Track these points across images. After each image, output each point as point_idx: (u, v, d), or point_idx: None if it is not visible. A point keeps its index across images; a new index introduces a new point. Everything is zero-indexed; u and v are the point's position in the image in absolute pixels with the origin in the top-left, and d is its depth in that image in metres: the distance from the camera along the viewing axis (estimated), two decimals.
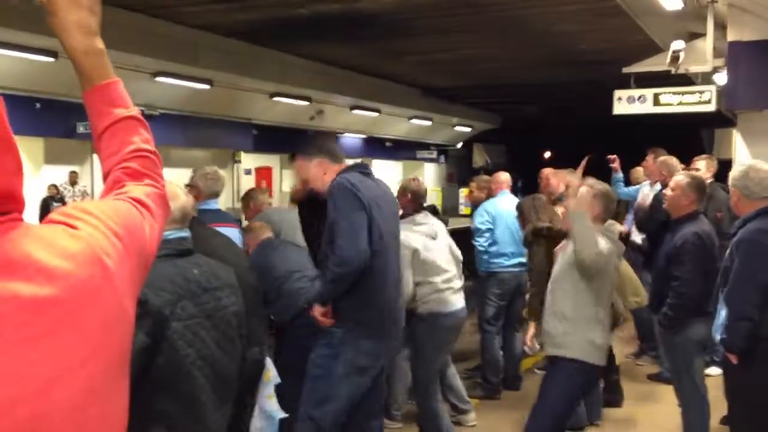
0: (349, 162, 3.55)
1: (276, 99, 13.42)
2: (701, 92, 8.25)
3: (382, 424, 3.72)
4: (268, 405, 3.15)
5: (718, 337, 3.53)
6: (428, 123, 18.89)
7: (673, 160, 5.95)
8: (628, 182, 7.64)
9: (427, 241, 4.34)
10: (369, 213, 3.17)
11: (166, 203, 1.24)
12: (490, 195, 5.95)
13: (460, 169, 24.45)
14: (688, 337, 4.01)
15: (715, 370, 5.78)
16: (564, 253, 3.51)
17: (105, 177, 1.24)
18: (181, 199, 2.24)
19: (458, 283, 4.41)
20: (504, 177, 6.08)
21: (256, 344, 2.95)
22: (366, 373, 3.26)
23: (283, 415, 3.17)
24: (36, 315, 0.90)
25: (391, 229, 3.33)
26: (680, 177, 4.23)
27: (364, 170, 3.41)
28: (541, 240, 4.59)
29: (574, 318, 3.40)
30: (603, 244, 3.33)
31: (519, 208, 5.07)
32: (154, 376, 1.95)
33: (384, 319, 3.28)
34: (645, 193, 6.79)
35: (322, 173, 3.32)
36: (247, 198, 4.95)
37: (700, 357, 4.16)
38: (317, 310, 3.26)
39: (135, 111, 1.27)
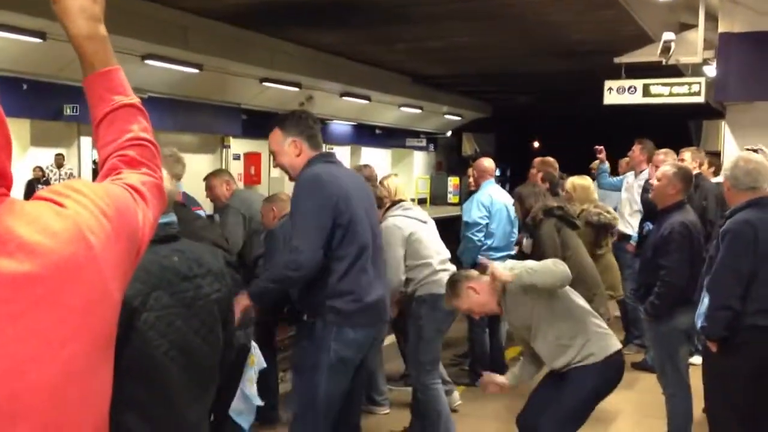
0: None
1: (266, 84, 13.35)
2: (691, 83, 8.29)
3: (359, 421, 3.59)
4: (249, 389, 3.14)
5: (699, 323, 3.57)
6: (418, 111, 18.85)
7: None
8: (617, 173, 7.67)
9: (419, 224, 4.40)
10: (336, 207, 3.01)
11: (162, 193, 1.24)
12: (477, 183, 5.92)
13: (449, 158, 24.47)
14: (674, 326, 4.05)
15: (698, 359, 5.82)
16: (511, 300, 3.37)
17: (102, 163, 1.23)
18: (164, 183, 2.19)
19: (452, 266, 4.46)
20: (488, 164, 5.89)
21: (240, 327, 2.93)
22: (350, 364, 3.16)
23: (259, 402, 3.16)
24: (16, 292, 0.88)
25: (364, 217, 3.17)
26: (666, 167, 4.26)
27: (331, 159, 3.27)
28: (552, 220, 4.64)
29: (576, 334, 3.32)
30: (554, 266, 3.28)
31: (518, 194, 5.08)
32: (123, 365, 1.93)
33: (365, 308, 3.13)
34: (629, 183, 6.83)
35: (295, 154, 3.13)
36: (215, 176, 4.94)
37: (684, 346, 4.20)
38: (243, 302, 3.02)
39: (135, 99, 1.27)
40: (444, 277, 4.34)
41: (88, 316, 0.97)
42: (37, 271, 0.90)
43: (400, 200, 4.54)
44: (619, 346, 3.44)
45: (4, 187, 0.94)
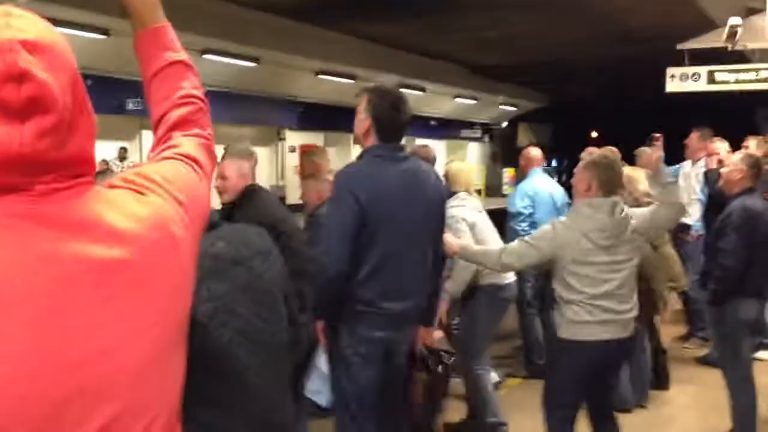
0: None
1: (321, 77, 13.44)
2: (758, 70, 8.00)
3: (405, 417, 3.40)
4: (325, 367, 3.17)
5: None
6: (473, 102, 18.70)
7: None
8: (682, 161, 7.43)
9: (478, 214, 4.37)
10: (361, 212, 2.83)
11: (213, 154, 1.25)
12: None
13: (505, 149, 24.21)
14: (737, 318, 3.92)
15: (766, 354, 5.65)
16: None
17: (155, 123, 1.24)
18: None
19: None
20: (535, 153, 5.87)
21: (307, 308, 2.94)
22: (372, 359, 2.94)
23: None
24: (106, 276, 0.91)
25: (403, 221, 2.93)
26: (735, 155, 4.18)
27: (387, 153, 2.97)
28: None
29: (560, 301, 3.35)
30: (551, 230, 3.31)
31: None
32: (190, 360, 1.94)
33: (384, 314, 2.94)
34: (686, 172, 6.64)
35: (362, 130, 2.97)
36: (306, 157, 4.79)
37: (749, 339, 4.05)
38: (318, 326, 3.04)
39: (185, 56, 1.27)
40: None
41: (171, 299, 1.00)
42: (126, 256, 0.93)
43: (455, 192, 4.49)
44: (592, 337, 3.28)
45: (90, 174, 0.97)
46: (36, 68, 0.88)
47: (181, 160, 1.15)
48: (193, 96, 1.25)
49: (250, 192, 3.49)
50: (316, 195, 4.14)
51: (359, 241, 2.86)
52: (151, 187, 1.03)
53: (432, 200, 3.10)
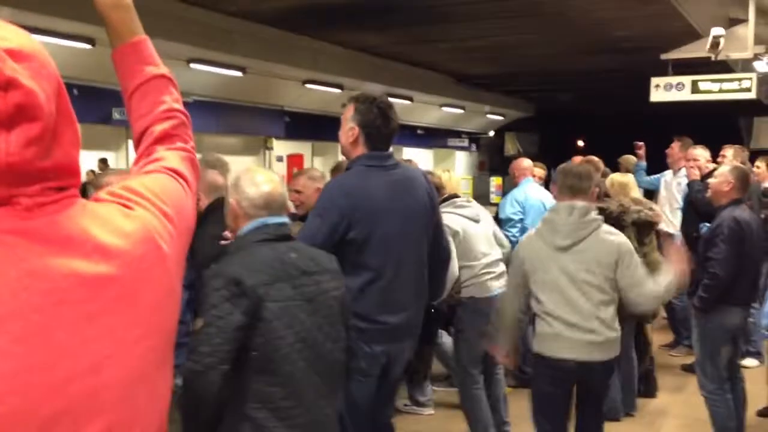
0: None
1: (308, 86, 13.44)
2: (741, 79, 8.09)
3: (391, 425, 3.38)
4: None
5: (765, 322, 3.48)
6: (460, 111, 18.76)
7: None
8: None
9: (469, 224, 4.26)
10: (347, 226, 2.79)
11: (197, 167, 1.25)
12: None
13: (492, 158, 24.31)
14: (720, 324, 3.97)
15: (751, 362, 5.69)
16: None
17: (138, 138, 1.24)
18: (262, 188, 2.18)
19: (500, 267, 4.30)
20: (526, 164, 6.04)
21: None
22: (367, 374, 2.94)
23: None
24: (94, 292, 0.90)
25: (397, 233, 2.90)
26: (723, 166, 4.25)
27: (376, 164, 2.94)
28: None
29: (537, 312, 3.38)
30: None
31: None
32: (252, 358, 1.97)
33: (381, 330, 2.91)
34: (667, 181, 6.69)
35: (350, 140, 2.93)
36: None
37: (728, 346, 4.09)
38: None
39: (164, 69, 1.27)
40: (486, 280, 4.24)
41: (158, 313, 1.00)
42: (113, 271, 0.92)
43: (455, 195, 4.41)
44: (551, 353, 3.27)
45: (74, 186, 0.96)
46: (22, 76, 0.86)
47: (167, 174, 1.15)
48: (175, 110, 1.25)
49: (219, 203, 3.35)
50: (317, 193, 4.08)
51: (347, 253, 2.78)
52: (137, 200, 1.03)
53: (424, 206, 3.08)
